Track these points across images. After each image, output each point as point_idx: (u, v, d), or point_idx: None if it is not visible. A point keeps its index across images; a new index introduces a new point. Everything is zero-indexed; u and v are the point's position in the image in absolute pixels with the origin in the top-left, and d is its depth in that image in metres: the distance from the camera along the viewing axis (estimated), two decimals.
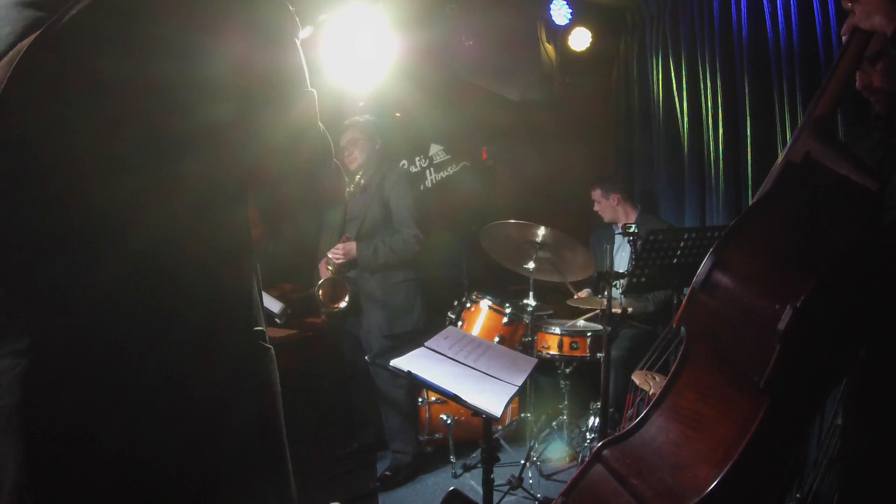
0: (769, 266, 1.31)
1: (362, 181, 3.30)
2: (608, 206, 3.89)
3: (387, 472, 3.26)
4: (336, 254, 3.23)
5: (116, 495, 0.94)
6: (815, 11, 2.87)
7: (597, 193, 3.93)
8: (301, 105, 1.08)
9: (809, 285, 1.20)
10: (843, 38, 1.52)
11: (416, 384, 3.00)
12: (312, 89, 1.09)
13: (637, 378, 2.50)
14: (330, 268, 3.29)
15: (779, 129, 3.13)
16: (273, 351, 1.11)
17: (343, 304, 3.28)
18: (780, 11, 3.08)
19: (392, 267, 3.26)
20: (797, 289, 1.20)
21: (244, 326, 1.08)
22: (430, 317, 3.42)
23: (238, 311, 1.08)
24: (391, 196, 3.28)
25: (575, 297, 3.75)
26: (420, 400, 3.45)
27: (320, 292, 3.28)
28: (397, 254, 3.22)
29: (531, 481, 3.11)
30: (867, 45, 1.48)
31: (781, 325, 1.18)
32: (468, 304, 3.66)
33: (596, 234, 4.11)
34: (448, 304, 3.76)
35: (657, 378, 2.46)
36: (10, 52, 0.91)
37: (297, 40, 1.07)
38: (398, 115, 4.53)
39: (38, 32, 0.91)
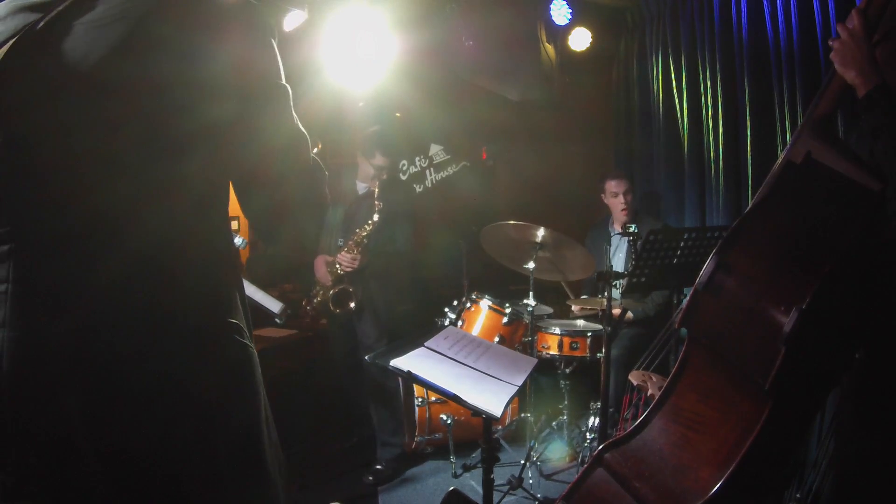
0: (772, 268, 1.31)
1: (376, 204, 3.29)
2: (623, 203, 3.74)
3: (377, 467, 3.26)
4: (344, 262, 3.19)
5: (113, 496, 0.94)
6: (815, 12, 2.86)
7: (626, 185, 3.76)
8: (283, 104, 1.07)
9: (813, 287, 1.19)
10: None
11: (415, 384, 3.00)
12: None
13: (634, 378, 2.49)
14: (331, 271, 3.26)
15: (779, 129, 3.13)
16: (256, 354, 1.11)
17: (351, 305, 3.26)
18: (780, 11, 3.08)
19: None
20: (801, 290, 1.19)
21: (239, 329, 1.08)
22: (430, 317, 3.41)
23: (235, 313, 1.08)
24: (398, 220, 3.32)
25: (573, 309, 3.78)
26: (420, 400, 3.44)
27: (325, 295, 3.26)
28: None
29: (531, 481, 3.11)
30: None
31: (787, 328, 1.17)
32: (468, 304, 3.65)
33: (591, 234, 4.06)
34: (448, 304, 3.75)
35: (654, 378, 2.44)
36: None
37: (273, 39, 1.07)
38: (398, 115, 4.52)
39: (20, 33, 0.91)
